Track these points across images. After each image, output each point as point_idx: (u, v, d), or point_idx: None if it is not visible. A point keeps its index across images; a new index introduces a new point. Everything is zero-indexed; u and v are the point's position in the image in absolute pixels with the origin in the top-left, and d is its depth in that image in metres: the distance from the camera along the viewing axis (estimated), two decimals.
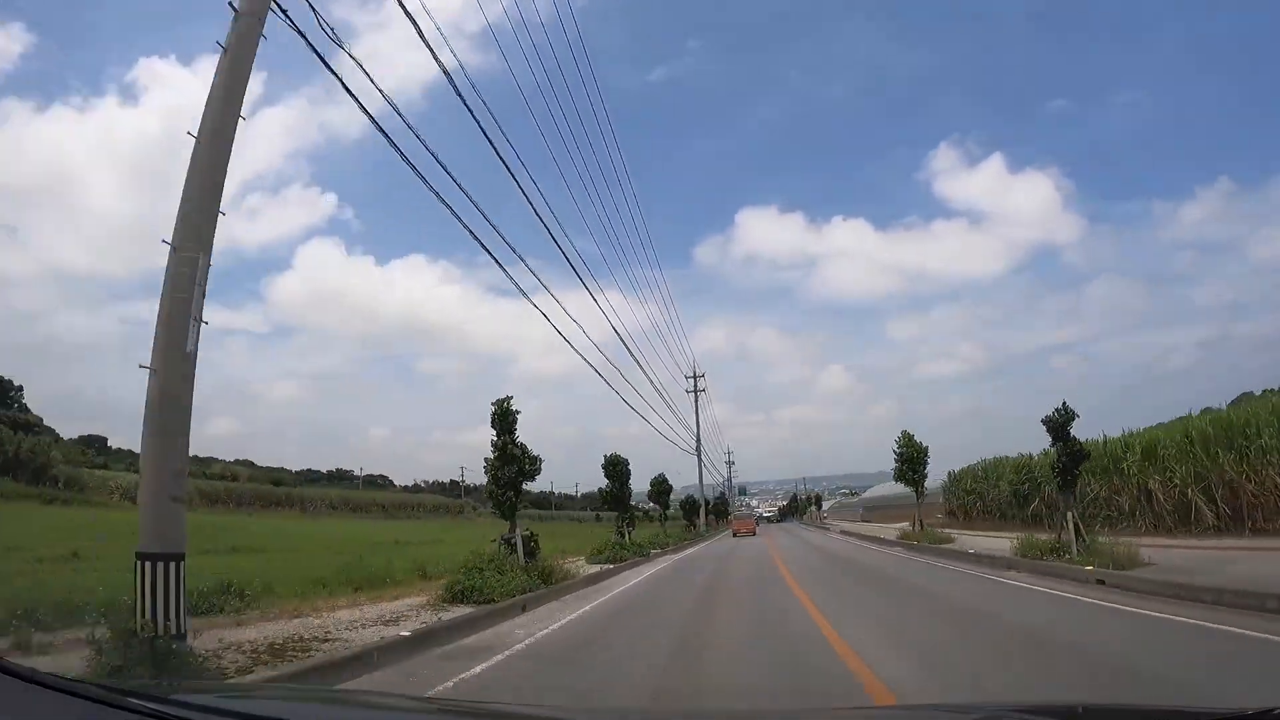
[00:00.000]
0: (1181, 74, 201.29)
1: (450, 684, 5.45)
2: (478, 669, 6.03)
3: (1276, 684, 4.85)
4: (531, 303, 14.51)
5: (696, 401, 49.49)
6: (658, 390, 31.75)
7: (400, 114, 9.10)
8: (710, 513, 60.10)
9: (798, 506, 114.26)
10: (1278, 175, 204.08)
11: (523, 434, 12.48)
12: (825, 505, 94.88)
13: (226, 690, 2.69)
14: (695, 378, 49.53)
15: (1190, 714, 1.91)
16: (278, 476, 56.80)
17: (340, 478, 71.41)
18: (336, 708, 2.50)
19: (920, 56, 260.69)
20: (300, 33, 7.16)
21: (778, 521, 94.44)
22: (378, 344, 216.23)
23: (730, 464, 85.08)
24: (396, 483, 78.25)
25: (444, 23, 37.76)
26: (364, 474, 74.68)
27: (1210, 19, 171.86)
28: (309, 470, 71.03)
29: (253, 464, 60.09)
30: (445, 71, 9.97)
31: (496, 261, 12.03)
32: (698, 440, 48.63)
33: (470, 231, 10.60)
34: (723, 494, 75.63)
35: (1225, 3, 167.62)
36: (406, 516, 52.97)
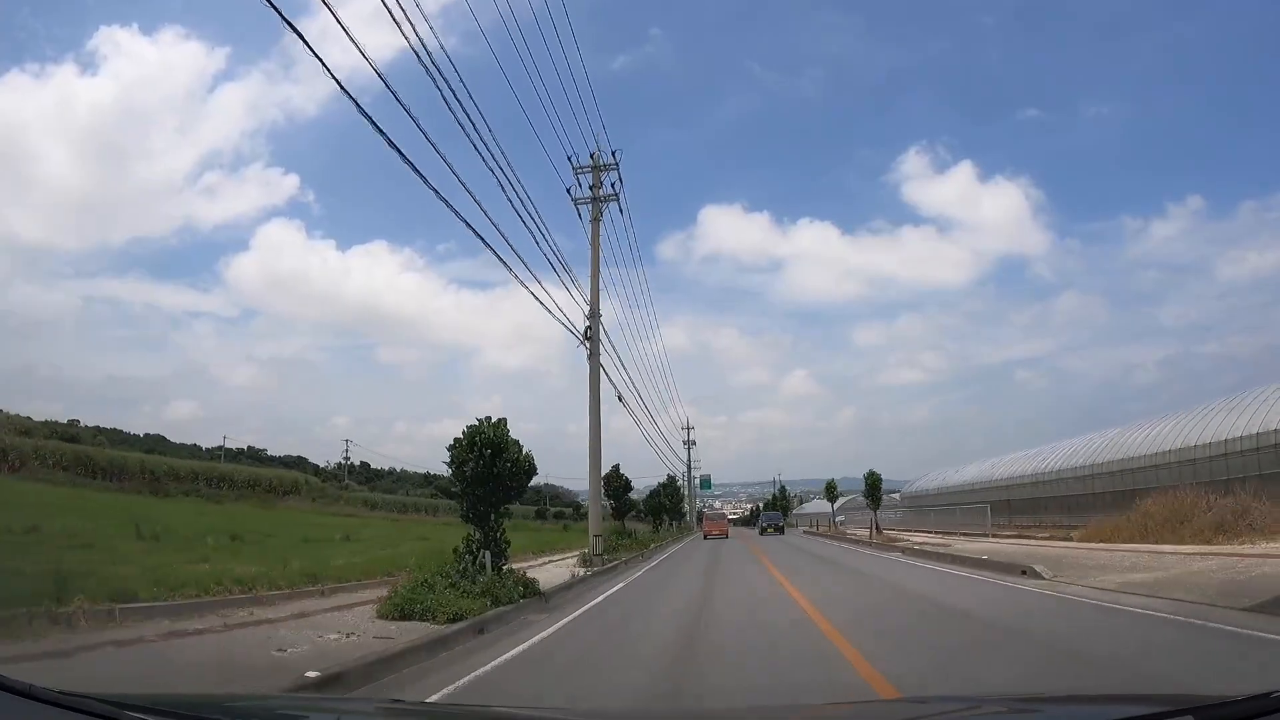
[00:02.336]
0: (1157, 88, 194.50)
1: None
2: None
3: None
4: (517, 278, 13.74)
5: (597, 218, 20.73)
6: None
7: (385, 80, 9.05)
8: (652, 510, 43.48)
9: (785, 505, 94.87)
10: (1249, 196, 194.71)
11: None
12: (837, 504, 53.10)
13: (226, 702, 2.65)
14: (595, 170, 20.88)
15: (1189, 699, 1.91)
16: (68, 433, 46.46)
17: (254, 457, 66.26)
18: (335, 717, 2.57)
19: (891, 57, 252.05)
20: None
21: (775, 532, 49.75)
22: (342, 331, 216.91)
23: (690, 444, 62.31)
24: (314, 463, 72.61)
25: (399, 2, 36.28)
26: (240, 450, 67.77)
27: (1188, 32, 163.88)
28: (220, 448, 65.27)
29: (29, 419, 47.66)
30: (419, 41, 9.55)
31: (485, 243, 12.05)
32: (593, 305, 19.59)
33: (453, 210, 10.46)
34: (672, 479, 48.80)
35: (1203, 15, 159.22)
36: (184, 493, 36.89)
